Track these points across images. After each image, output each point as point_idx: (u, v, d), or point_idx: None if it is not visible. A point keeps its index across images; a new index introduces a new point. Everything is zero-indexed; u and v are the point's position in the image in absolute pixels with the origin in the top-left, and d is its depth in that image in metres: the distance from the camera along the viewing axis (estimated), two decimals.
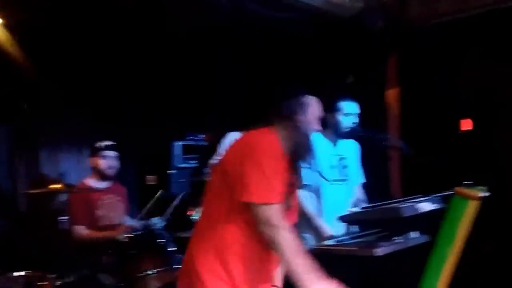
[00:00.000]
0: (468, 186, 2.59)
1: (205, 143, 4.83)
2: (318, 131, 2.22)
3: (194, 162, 4.87)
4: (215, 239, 2.01)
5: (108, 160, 3.59)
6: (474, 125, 4.37)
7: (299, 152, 2.11)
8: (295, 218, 2.22)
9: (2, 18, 3.74)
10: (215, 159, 3.76)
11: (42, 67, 4.10)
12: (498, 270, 3.87)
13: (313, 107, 2.19)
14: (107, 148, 3.58)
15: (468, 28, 4.11)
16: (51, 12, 3.72)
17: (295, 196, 2.22)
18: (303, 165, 2.27)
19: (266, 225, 1.87)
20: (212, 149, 3.91)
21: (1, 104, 3.92)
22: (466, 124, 4.41)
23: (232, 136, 3.33)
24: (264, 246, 1.97)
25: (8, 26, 3.73)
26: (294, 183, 2.13)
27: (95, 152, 3.58)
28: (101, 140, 3.63)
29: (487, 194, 2.58)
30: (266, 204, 1.87)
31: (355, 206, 3.36)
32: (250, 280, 2.03)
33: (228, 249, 1.99)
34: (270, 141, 2.00)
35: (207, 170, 3.78)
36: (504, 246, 3.85)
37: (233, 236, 2.00)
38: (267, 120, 2.12)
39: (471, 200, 2.54)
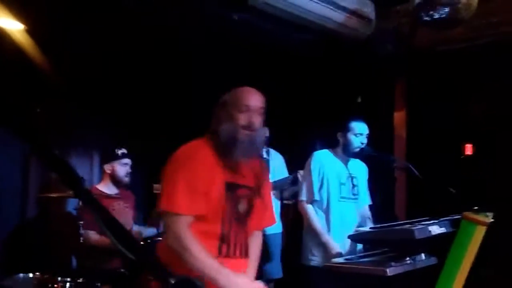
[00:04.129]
0: (476, 211, 2.67)
1: None
2: (249, 123, 2.03)
3: None
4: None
5: (126, 167, 3.63)
6: (475, 150, 4.48)
7: (227, 149, 2.01)
8: (256, 222, 2.12)
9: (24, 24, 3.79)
10: None
11: (58, 72, 4.15)
12: None
13: (233, 99, 2.06)
14: (125, 155, 3.63)
15: (474, 56, 4.22)
16: (70, 19, 3.78)
17: (254, 198, 2.10)
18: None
19: (169, 235, 1.92)
20: None
21: (17, 108, 3.95)
22: (468, 149, 4.52)
23: None
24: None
25: (29, 32, 3.78)
26: (245, 191, 2.05)
27: (113, 158, 3.62)
28: (115, 146, 3.67)
29: (492, 220, 2.67)
30: (169, 212, 1.92)
31: (361, 225, 3.44)
32: None
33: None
34: (192, 151, 2.00)
35: None
36: (502, 271, 3.93)
37: None
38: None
39: (480, 225, 2.62)
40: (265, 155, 4.25)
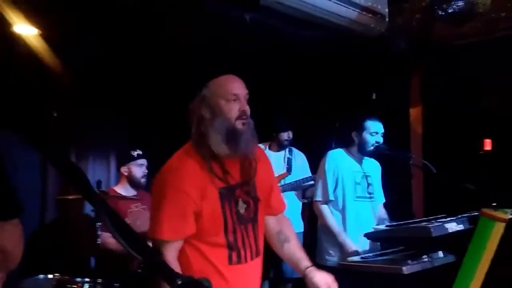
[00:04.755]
0: (495, 207, 2.63)
1: None
2: (241, 111, 1.89)
3: None
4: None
5: (142, 168, 3.65)
6: (494, 145, 4.40)
7: (229, 146, 1.88)
8: (264, 213, 2.05)
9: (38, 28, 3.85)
10: None
11: (73, 76, 4.21)
12: None
13: (214, 92, 1.90)
14: (140, 156, 3.64)
15: (491, 50, 4.15)
16: (84, 23, 3.82)
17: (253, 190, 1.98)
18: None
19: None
20: None
21: (34, 112, 4.02)
22: (488, 145, 4.44)
23: None
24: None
25: (43, 37, 3.83)
26: (244, 188, 1.93)
27: (129, 160, 3.63)
28: (130, 148, 3.69)
29: (511, 216, 2.62)
30: (156, 239, 1.84)
31: (379, 224, 3.42)
32: None
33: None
34: (178, 165, 1.86)
35: None
36: None
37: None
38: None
39: (498, 222, 2.58)
40: (287, 154, 4.26)
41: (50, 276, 3.12)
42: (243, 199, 1.92)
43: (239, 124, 1.88)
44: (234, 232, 1.89)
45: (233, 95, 1.88)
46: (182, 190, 1.81)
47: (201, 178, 1.85)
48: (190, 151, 1.91)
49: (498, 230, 2.57)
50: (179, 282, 0.94)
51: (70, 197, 3.62)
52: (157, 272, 1.01)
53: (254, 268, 1.98)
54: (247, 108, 1.90)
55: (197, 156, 1.88)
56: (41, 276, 3.15)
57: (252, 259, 1.96)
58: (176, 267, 1.82)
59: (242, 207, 1.92)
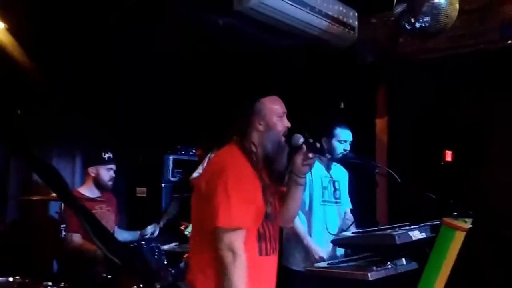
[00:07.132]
0: (456, 216, 2.72)
1: (195, 158, 4.87)
2: (286, 127, 2.16)
3: (180, 177, 4.90)
4: (199, 257, 2.05)
5: (110, 172, 3.61)
6: (454, 157, 4.55)
7: (270, 157, 2.12)
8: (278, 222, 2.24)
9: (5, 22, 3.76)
10: (195, 174, 3.85)
11: (40, 73, 4.11)
12: None
13: (269, 108, 2.13)
14: (111, 160, 3.61)
15: (455, 65, 4.31)
16: (51, 18, 3.75)
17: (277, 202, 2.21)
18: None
19: (223, 250, 1.89)
20: (198, 164, 3.99)
21: None
22: (448, 156, 4.59)
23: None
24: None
25: (10, 31, 3.74)
26: (271, 189, 2.13)
27: (99, 162, 3.59)
28: (102, 150, 3.64)
29: (471, 225, 2.72)
30: (228, 228, 1.91)
31: (344, 229, 3.48)
32: None
33: (208, 267, 1.97)
34: (234, 161, 2.04)
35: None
36: (482, 275, 4.01)
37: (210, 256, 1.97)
38: (230, 137, 2.15)
39: (459, 231, 2.67)
40: None
41: (11, 279, 3.04)
42: (270, 199, 2.12)
43: (283, 139, 2.14)
44: (266, 225, 2.08)
45: (283, 112, 2.16)
46: (244, 182, 1.99)
47: (253, 174, 2.05)
48: (236, 152, 2.10)
49: (459, 238, 2.66)
50: (158, 286, 0.94)
51: (34, 198, 3.55)
52: (137, 275, 1.01)
53: (274, 262, 2.17)
54: (289, 125, 2.17)
55: (244, 155, 2.08)
56: (1, 278, 3.07)
57: (274, 253, 2.15)
58: (240, 265, 1.92)
59: (269, 206, 2.10)
